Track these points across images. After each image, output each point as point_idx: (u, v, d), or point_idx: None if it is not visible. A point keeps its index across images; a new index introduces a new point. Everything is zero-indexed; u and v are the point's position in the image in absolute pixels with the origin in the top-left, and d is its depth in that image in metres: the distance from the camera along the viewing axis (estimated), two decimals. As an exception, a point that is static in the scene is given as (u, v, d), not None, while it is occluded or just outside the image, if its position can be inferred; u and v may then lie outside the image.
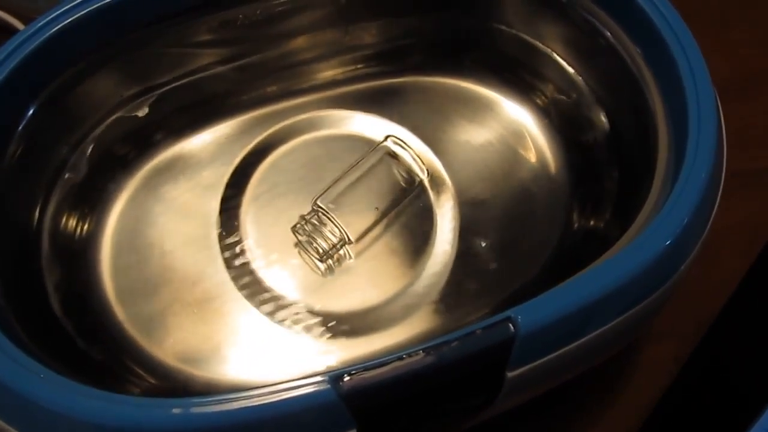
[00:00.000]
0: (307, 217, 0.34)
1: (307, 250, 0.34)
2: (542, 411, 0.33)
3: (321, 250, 0.33)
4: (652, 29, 0.30)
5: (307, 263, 0.34)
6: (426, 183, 0.35)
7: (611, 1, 0.32)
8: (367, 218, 0.34)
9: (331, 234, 0.34)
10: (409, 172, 0.35)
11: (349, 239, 0.34)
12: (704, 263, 0.32)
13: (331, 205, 0.34)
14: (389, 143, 0.36)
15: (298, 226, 0.34)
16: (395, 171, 0.35)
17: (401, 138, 0.36)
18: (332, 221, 0.34)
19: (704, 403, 0.33)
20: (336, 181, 0.35)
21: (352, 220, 0.34)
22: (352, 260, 0.34)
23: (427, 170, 0.35)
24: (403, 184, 0.35)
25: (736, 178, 0.31)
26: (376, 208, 0.35)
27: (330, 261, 0.34)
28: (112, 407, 0.22)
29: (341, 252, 0.34)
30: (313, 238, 0.34)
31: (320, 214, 0.34)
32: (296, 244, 0.34)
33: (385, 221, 0.35)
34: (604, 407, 0.34)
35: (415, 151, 0.35)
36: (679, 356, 0.34)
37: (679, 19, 0.30)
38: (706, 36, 0.31)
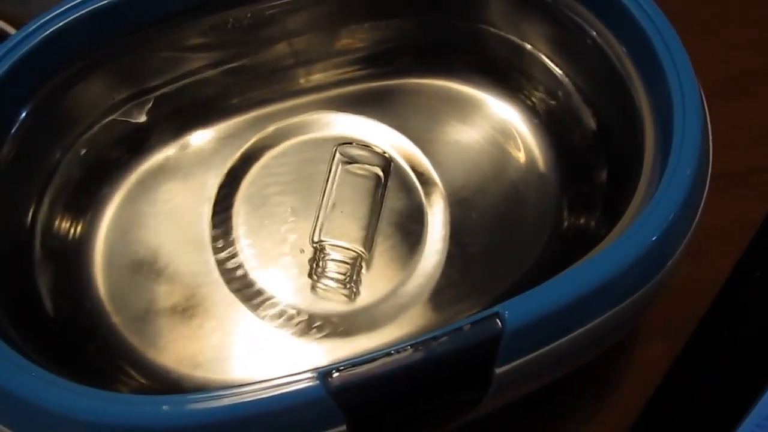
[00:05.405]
0: (316, 257, 0.34)
1: (327, 286, 0.33)
2: (533, 410, 0.33)
3: (343, 278, 0.33)
4: (637, 28, 0.30)
5: (297, 265, 0.34)
6: (389, 164, 0.35)
7: (596, 1, 0.32)
8: (363, 227, 0.35)
9: (344, 258, 0.34)
10: (374, 164, 0.35)
11: (362, 252, 0.34)
12: (694, 263, 0.32)
13: (325, 239, 0.34)
14: (339, 153, 0.35)
15: (312, 271, 0.34)
16: (361, 172, 0.35)
17: (350, 139, 0.36)
18: (338, 246, 0.34)
19: (695, 400, 0.33)
20: (318, 210, 0.35)
21: (352, 235, 0.34)
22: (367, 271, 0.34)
23: (384, 152, 0.35)
24: (375, 179, 0.35)
25: (726, 178, 0.31)
26: (366, 213, 0.35)
27: (353, 282, 0.34)
28: (103, 404, 0.22)
29: (360, 269, 0.34)
30: (329, 272, 0.33)
31: (324, 247, 0.34)
32: (312, 287, 0.34)
33: (377, 223, 0.35)
34: (596, 407, 0.34)
35: (365, 142, 0.35)
36: (672, 355, 0.35)
37: (663, 17, 0.30)
38: (697, 37, 0.31)
